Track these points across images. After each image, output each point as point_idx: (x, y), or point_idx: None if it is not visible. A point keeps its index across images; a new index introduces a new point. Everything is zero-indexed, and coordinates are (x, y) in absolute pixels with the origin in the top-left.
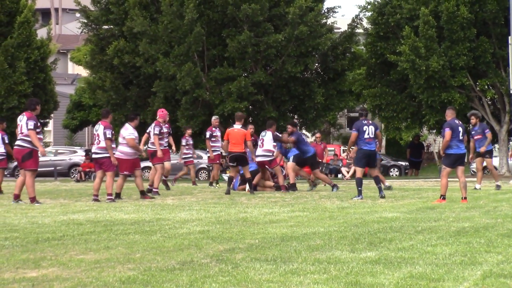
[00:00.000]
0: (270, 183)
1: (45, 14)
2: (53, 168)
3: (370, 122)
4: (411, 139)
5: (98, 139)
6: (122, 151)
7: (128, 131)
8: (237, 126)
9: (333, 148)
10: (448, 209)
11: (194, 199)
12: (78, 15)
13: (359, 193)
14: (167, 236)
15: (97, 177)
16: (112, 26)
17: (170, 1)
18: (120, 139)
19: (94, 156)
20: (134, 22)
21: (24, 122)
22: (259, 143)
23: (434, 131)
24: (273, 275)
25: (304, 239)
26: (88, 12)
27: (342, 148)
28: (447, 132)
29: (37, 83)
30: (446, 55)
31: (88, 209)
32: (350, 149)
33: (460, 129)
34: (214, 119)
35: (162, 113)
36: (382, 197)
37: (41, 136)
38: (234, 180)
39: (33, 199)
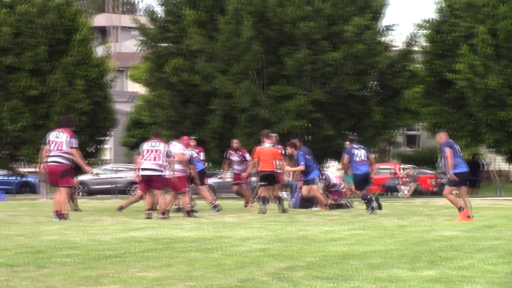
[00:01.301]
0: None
1: (103, 32)
2: (112, 186)
3: (361, 146)
4: (470, 157)
5: (151, 155)
6: (175, 168)
7: (177, 147)
8: (267, 144)
9: (389, 166)
10: (507, 228)
11: (253, 217)
12: (133, 32)
13: (372, 208)
14: (228, 253)
15: (148, 196)
16: (170, 44)
17: (227, 19)
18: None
19: (147, 173)
20: (192, 40)
21: (64, 140)
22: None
23: (494, 149)
24: None
25: (364, 257)
26: (146, 30)
27: (402, 166)
28: (448, 151)
29: (96, 101)
30: (504, 74)
31: (148, 227)
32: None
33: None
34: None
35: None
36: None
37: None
38: (292, 199)
39: (62, 215)
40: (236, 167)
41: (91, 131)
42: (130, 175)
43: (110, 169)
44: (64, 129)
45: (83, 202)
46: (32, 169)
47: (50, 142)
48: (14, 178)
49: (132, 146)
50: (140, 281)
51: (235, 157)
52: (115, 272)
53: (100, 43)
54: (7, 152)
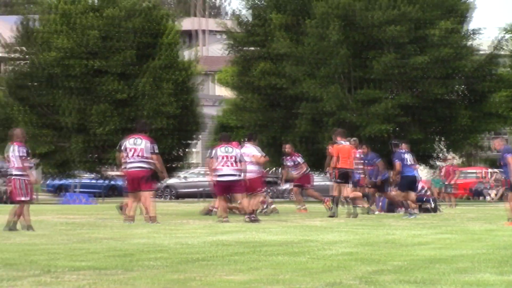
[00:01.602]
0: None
1: (190, 35)
2: (200, 189)
3: (407, 151)
4: None
5: (228, 161)
6: (250, 170)
7: (251, 149)
8: (344, 142)
9: (476, 170)
10: None
11: (341, 221)
12: (218, 36)
13: (410, 212)
14: (315, 257)
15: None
16: (257, 48)
17: (314, 23)
18: (247, 158)
19: (228, 179)
20: (279, 44)
21: (145, 146)
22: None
23: None
24: None
25: (451, 262)
26: (233, 34)
27: (490, 170)
28: (510, 157)
29: (183, 105)
30: None
31: (236, 230)
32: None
33: None
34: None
35: None
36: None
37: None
38: (379, 201)
39: (154, 218)
40: (292, 171)
41: (179, 135)
42: None
43: (198, 172)
44: (142, 135)
45: (171, 205)
46: (120, 173)
47: (128, 149)
48: (102, 181)
49: None
50: (228, 285)
51: (289, 162)
52: (202, 276)
53: (187, 47)
54: (96, 155)
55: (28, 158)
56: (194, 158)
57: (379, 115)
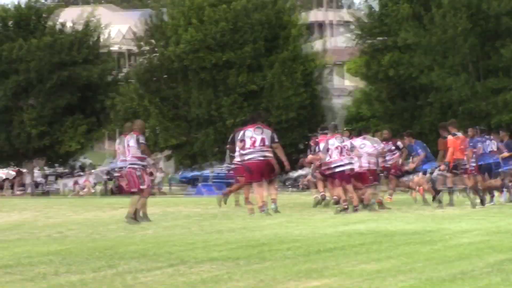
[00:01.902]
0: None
1: (319, 26)
2: None
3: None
4: None
5: (343, 151)
6: (369, 161)
7: (371, 141)
8: (457, 133)
9: None
10: None
11: (474, 209)
12: (341, 29)
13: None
14: (449, 245)
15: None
16: (385, 37)
17: (442, 12)
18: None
19: (348, 167)
20: (408, 34)
21: (267, 135)
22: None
23: None
24: None
25: None
26: (362, 24)
27: None
28: None
29: (313, 95)
30: None
31: (369, 219)
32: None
33: None
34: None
35: None
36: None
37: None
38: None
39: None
40: (387, 158)
41: (309, 126)
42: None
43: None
44: (262, 125)
45: (301, 194)
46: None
47: (250, 138)
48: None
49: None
50: (361, 274)
51: (387, 147)
52: (336, 265)
53: (316, 38)
54: (227, 146)
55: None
56: None
57: (509, 103)
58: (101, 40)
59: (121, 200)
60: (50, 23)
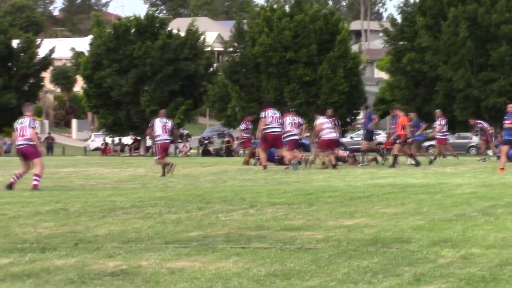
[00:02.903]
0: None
1: (358, 34)
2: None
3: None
4: None
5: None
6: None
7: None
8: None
9: None
10: None
11: (465, 169)
12: (379, 34)
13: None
14: (446, 195)
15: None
16: (406, 42)
17: (448, 23)
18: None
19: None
20: (422, 39)
21: (279, 114)
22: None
23: None
24: None
25: None
26: (388, 32)
27: None
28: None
29: (352, 84)
30: None
31: (389, 176)
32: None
33: None
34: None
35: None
36: None
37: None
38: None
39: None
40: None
41: (348, 106)
42: (376, 138)
43: (361, 133)
44: (272, 108)
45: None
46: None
47: (270, 117)
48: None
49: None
50: (382, 215)
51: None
52: (363, 209)
53: (355, 42)
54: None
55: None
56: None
57: (495, 91)
58: (199, 43)
59: (210, 160)
60: (162, 30)
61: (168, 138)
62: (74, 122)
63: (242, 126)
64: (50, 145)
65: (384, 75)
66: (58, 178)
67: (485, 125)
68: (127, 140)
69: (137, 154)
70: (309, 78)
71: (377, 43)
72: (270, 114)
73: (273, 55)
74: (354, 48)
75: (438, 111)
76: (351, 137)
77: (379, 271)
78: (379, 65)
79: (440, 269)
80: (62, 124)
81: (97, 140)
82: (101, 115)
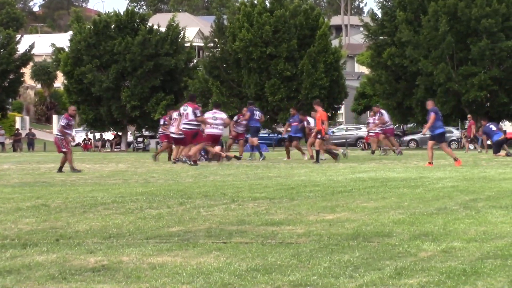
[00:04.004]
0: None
1: (338, 29)
2: (344, 140)
3: None
4: None
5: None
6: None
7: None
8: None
9: None
10: None
11: (446, 162)
12: (361, 29)
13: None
14: (428, 189)
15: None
16: (386, 37)
17: (428, 18)
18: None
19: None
20: (402, 34)
21: (190, 111)
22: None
23: None
24: (505, 218)
25: None
26: (368, 27)
27: None
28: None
29: (332, 79)
30: None
31: (370, 170)
32: None
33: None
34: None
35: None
36: None
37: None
38: None
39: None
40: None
41: (328, 101)
42: (357, 133)
43: (343, 128)
44: (189, 103)
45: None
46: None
47: (182, 114)
48: (274, 135)
49: (359, 111)
50: (363, 210)
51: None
52: (345, 203)
53: (335, 37)
54: (268, 116)
55: None
56: (340, 118)
57: (475, 85)
58: (179, 38)
59: None
60: (142, 26)
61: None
62: (55, 118)
63: (161, 121)
64: (31, 141)
65: (365, 70)
66: (39, 174)
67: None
68: (109, 135)
69: (118, 149)
70: (290, 73)
71: (358, 38)
72: (181, 111)
73: (254, 50)
74: (335, 43)
75: (375, 107)
76: (332, 132)
77: (360, 265)
78: (359, 60)
79: (421, 262)
80: (43, 120)
81: (78, 136)
82: (82, 111)
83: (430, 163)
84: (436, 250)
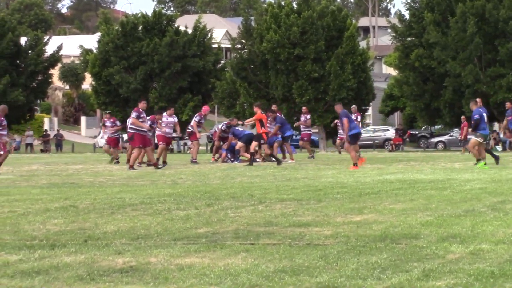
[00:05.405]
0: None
1: (366, 30)
2: (372, 142)
3: None
4: None
5: None
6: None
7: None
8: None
9: None
10: None
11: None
12: (389, 30)
13: None
14: (455, 191)
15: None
16: (414, 38)
17: (456, 19)
18: None
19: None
20: (430, 35)
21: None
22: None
23: None
24: None
25: None
26: (396, 28)
27: None
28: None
29: (360, 80)
30: None
31: (397, 172)
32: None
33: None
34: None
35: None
36: None
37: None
38: None
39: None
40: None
41: (356, 103)
42: (384, 134)
43: (370, 129)
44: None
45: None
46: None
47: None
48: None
49: (386, 113)
50: (391, 211)
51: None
52: (372, 205)
53: (363, 38)
54: (295, 118)
55: None
56: (368, 119)
57: (503, 86)
58: (207, 39)
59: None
60: (169, 27)
61: None
62: (83, 119)
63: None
64: (59, 142)
65: (393, 71)
66: (67, 175)
67: None
68: None
69: None
70: (317, 75)
71: (385, 39)
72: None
73: (281, 52)
74: (362, 44)
75: (353, 107)
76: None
77: (388, 267)
78: (387, 61)
79: (449, 264)
80: (71, 121)
81: (106, 137)
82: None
83: (355, 165)
84: (464, 252)
